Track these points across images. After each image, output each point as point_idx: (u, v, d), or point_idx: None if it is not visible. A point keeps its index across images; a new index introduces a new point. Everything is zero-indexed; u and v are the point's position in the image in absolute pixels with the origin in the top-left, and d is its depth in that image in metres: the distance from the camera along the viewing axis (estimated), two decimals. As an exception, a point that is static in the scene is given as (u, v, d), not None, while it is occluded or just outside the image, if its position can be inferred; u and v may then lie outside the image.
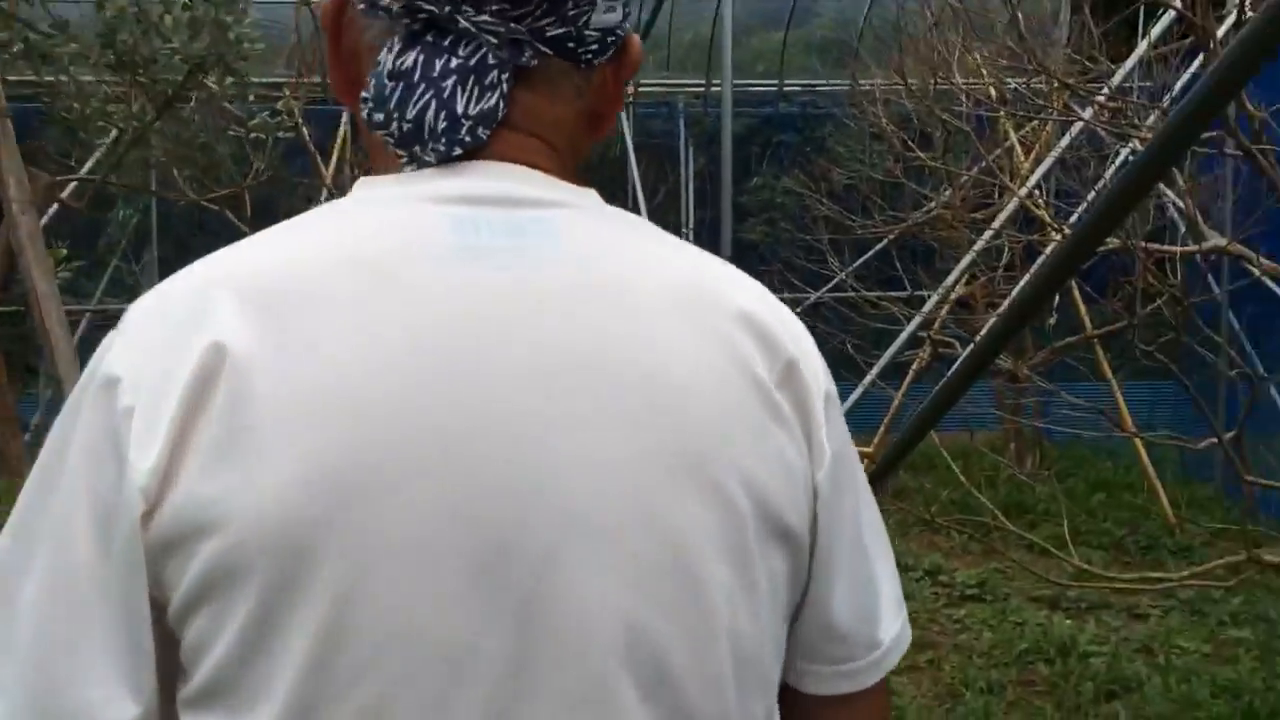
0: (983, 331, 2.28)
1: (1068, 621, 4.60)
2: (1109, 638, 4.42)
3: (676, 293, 0.72)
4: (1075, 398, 4.83)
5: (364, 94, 0.73)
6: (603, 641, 0.66)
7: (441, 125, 0.71)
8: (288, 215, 0.75)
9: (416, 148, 0.72)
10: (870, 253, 7.53)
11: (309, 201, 5.83)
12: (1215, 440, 2.72)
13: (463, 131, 0.72)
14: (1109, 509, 6.24)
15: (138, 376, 0.65)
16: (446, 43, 0.72)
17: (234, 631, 0.63)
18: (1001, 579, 5.12)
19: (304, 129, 5.81)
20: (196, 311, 0.66)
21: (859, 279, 7.05)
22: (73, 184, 5.06)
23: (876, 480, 2.94)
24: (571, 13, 0.72)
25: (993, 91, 5.81)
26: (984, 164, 6.07)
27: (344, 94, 0.78)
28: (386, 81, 0.72)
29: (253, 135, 3.89)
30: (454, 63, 0.71)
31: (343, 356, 0.65)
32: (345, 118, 6.92)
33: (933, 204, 6.51)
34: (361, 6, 0.73)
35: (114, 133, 4.11)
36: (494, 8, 0.71)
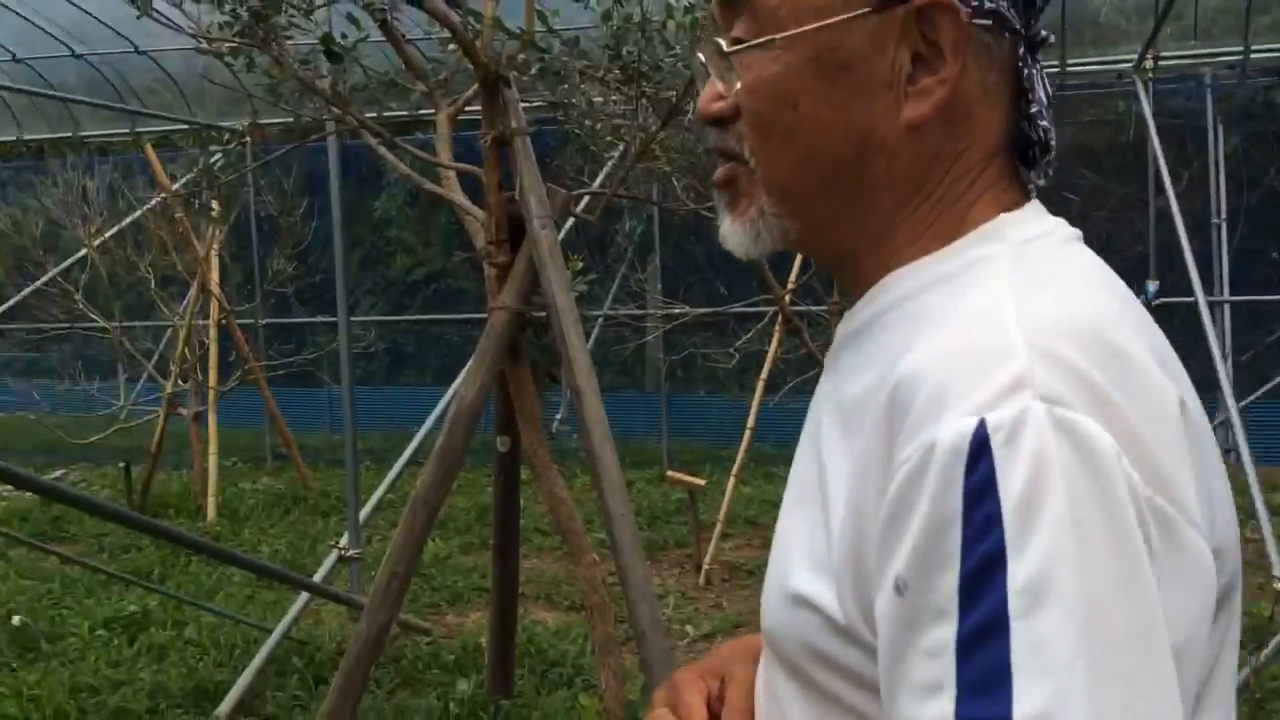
0: None
1: None
2: None
3: None
4: None
5: (1042, 120, 0.78)
6: None
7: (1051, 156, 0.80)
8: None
9: (1033, 175, 0.80)
10: None
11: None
12: None
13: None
14: None
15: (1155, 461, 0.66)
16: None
17: (1217, 645, 0.72)
18: None
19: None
20: (1148, 368, 0.68)
21: None
22: (585, 198, 5.32)
23: None
24: None
25: None
26: None
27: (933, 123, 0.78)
28: (1046, 106, 0.77)
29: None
30: None
31: (1195, 408, 0.72)
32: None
33: None
34: (986, 24, 0.74)
35: (621, 147, 4.20)
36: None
